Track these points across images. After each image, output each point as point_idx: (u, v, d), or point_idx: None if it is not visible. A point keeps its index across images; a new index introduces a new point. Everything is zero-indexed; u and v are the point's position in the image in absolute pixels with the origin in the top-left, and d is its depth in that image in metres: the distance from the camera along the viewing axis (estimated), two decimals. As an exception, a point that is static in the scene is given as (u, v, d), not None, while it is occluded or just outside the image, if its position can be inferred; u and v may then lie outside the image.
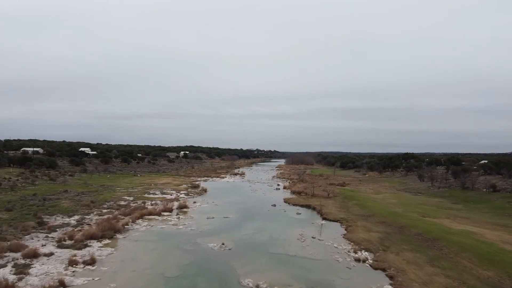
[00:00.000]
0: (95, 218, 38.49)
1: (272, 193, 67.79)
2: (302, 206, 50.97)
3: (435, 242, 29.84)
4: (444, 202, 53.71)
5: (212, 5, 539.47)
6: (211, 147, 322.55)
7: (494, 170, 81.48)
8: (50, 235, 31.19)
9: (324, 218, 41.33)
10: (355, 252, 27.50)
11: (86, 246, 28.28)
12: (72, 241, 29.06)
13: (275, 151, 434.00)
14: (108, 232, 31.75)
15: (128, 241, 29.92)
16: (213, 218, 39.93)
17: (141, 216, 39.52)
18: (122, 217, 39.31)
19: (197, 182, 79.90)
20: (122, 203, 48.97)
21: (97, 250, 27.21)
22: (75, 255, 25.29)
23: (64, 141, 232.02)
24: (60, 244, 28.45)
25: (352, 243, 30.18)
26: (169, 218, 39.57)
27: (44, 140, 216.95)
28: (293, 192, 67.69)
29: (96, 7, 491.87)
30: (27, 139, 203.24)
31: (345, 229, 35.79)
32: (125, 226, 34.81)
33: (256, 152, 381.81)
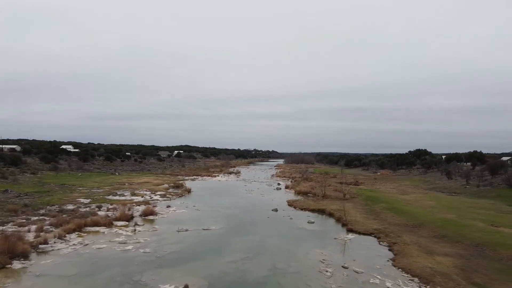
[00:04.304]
0: (10, 230, 25.53)
1: (272, 193, 54.87)
2: (313, 211, 38.10)
3: (559, 276, 17.04)
4: (498, 205, 41.01)
5: (209, 1, 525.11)
6: (208, 147, 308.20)
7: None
8: None
9: (349, 230, 28.43)
10: (433, 302, 14.63)
11: None
12: None
13: (273, 151, 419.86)
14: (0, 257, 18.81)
15: (25, 276, 17.00)
16: (186, 231, 26.93)
17: (78, 228, 26.53)
18: (52, 228, 26.43)
19: (182, 182, 66.87)
20: (70, 207, 36.01)
21: None
22: None
23: (55, 141, 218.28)
24: None
25: (415, 279, 17.30)
26: (120, 231, 26.57)
27: (33, 140, 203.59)
28: (297, 193, 54.79)
29: (90, 2, 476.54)
30: (15, 139, 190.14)
31: (389, 249, 22.93)
32: (40, 246, 21.82)
33: (253, 152, 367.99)
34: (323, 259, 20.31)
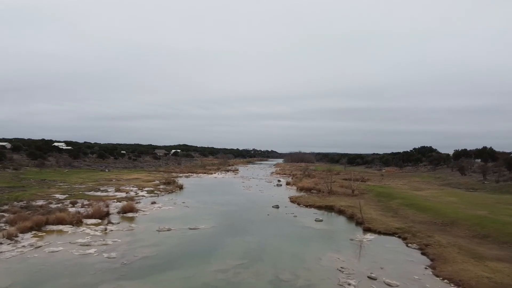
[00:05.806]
0: (-46, 229, 20.74)
1: (272, 190, 50.12)
2: (319, 208, 33.36)
3: None
4: (527, 201, 36.33)
5: (209, 1, 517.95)
6: (206, 146, 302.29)
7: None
8: None
9: (367, 229, 23.66)
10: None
11: None
12: None
13: (272, 151, 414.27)
14: None
15: None
16: (168, 230, 22.13)
17: (37, 226, 21.78)
18: (6, 227, 21.70)
19: (175, 178, 62.05)
20: (39, 203, 31.19)
21: None
22: None
23: (51, 140, 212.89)
24: None
25: (472, 295, 12.57)
26: (88, 231, 21.77)
27: (28, 139, 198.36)
28: (300, 189, 50.08)
29: (90, 2, 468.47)
30: (11, 138, 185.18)
31: (422, 253, 18.18)
32: (-22, 249, 17.06)
33: (252, 151, 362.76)
34: (341, 267, 15.57)
